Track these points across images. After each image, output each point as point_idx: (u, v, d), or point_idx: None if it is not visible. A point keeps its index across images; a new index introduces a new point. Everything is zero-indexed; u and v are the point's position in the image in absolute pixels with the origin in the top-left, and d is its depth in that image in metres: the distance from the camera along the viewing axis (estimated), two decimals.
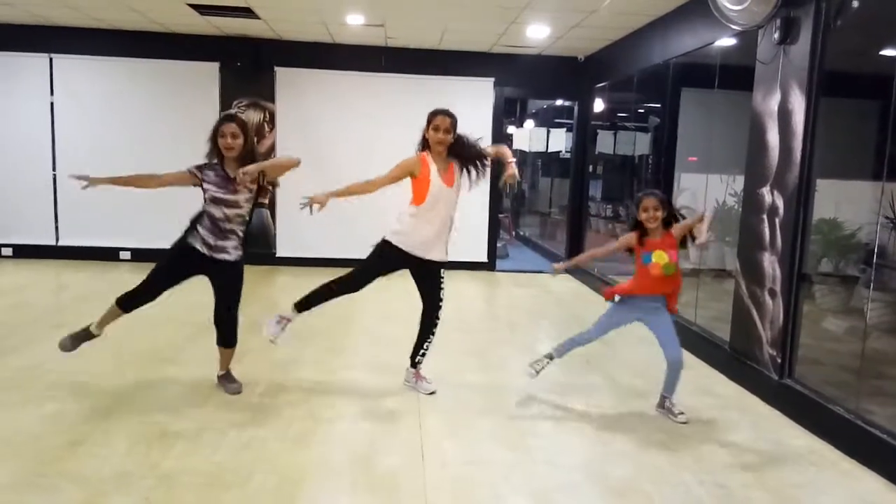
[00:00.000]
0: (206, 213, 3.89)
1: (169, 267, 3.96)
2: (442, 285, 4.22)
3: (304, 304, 4.20)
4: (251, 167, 3.77)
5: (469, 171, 4.11)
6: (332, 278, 4.19)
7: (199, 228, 3.90)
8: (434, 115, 4.01)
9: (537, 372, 4.29)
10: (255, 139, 8.66)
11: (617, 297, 4.13)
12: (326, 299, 4.19)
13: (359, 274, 4.17)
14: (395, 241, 4.08)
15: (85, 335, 4.09)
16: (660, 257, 3.89)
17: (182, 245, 3.92)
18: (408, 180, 4.07)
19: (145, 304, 4.00)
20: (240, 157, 3.84)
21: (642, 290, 4.02)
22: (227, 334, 4.11)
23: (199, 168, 3.88)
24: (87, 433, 3.49)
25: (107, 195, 8.45)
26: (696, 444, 3.72)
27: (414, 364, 4.35)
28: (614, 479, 3.27)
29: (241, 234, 3.97)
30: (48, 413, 3.74)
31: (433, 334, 4.29)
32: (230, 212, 3.87)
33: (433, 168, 4.01)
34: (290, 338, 4.34)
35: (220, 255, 3.92)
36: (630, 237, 4.02)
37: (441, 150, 4.02)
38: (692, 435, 3.83)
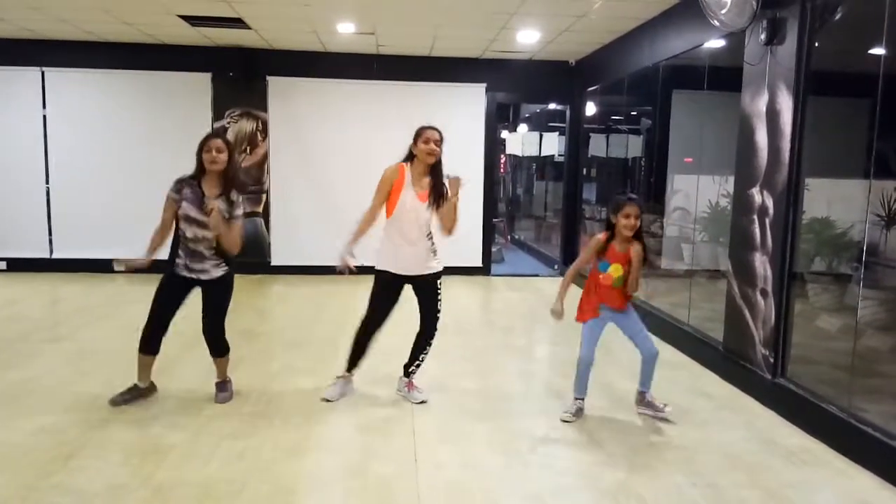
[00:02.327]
0: (180, 235, 3.91)
1: (163, 297, 3.98)
2: (439, 297, 4.19)
3: (351, 363, 4.31)
4: (215, 214, 3.77)
5: (435, 195, 4.06)
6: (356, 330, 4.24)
7: (179, 251, 3.93)
8: (424, 129, 4.02)
9: (574, 415, 4.04)
10: (249, 149, 8.75)
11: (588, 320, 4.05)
12: (364, 348, 4.25)
13: (371, 312, 4.17)
14: (380, 267, 4.12)
15: (135, 391, 4.10)
16: (616, 270, 3.88)
17: (171, 273, 3.95)
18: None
19: (162, 336, 4.02)
20: (222, 175, 3.89)
21: (599, 301, 3.98)
22: (214, 346, 4.14)
23: (179, 185, 3.89)
24: (81, 446, 3.49)
25: (99, 207, 8.56)
26: (688, 445, 3.72)
27: (407, 374, 4.34)
28: (608, 481, 3.27)
29: (213, 257, 3.94)
30: (41, 426, 3.73)
31: (430, 346, 4.27)
32: (199, 232, 3.87)
33: (407, 179, 4.02)
34: (349, 391, 4.36)
35: (204, 276, 3.95)
36: (599, 240, 3.95)
37: (430, 162, 4.00)
38: (685, 436, 3.84)
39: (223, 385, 4.23)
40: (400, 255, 4.06)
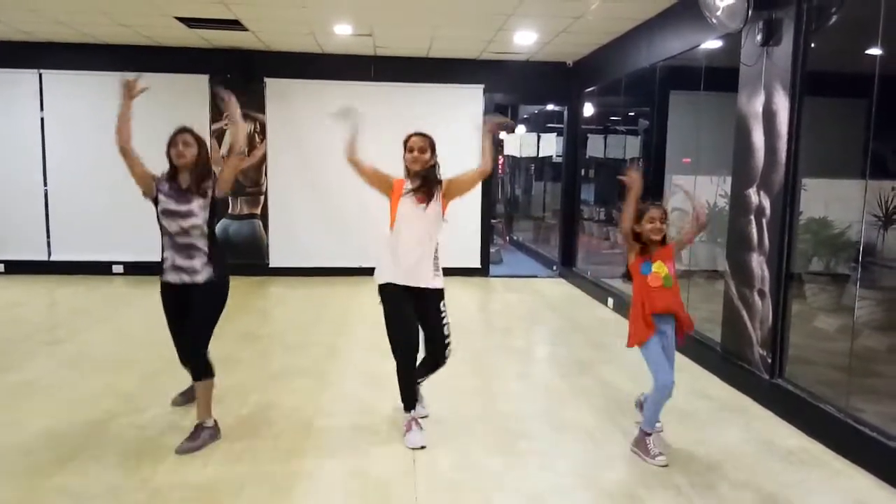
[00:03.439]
0: (162, 232, 3.73)
1: (168, 317, 3.83)
2: (444, 319, 3.84)
3: (407, 402, 3.80)
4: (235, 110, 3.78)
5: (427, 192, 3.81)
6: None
7: (165, 253, 3.73)
8: (408, 137, 3.84)
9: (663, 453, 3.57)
10: (247, 151, 8.74)
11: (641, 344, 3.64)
12: (411, 379, 3.81)
13: (394, 337, 3.76)
14: (382, 280, 3.78)
15: (202, 433, 3.65)
16: (660, 268, 3.60)
17: (162, 287, 3.79)
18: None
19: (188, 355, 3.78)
20: (193, 169, 3.70)
21: (653, 311, 3.60)
22: (193, 363, 3.73)
23: (157, 179, 3.74)
24: (79, 448, 3.49)
25: (96, 209, 8.56)
26: (687, 445, 3.73)
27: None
28: (607, 482, 3.28)
29: (206, 250, 3.71)
30: (40, 428, 3.73)
31: (435, 372, 3.94)
32: (185, 223, 3.66)
33: (406, 189, 3.80)
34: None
35: (191, 278, 3.68)
36: (635, 249, 3.67)
37: (416, 170, 3.78)
38: (684, 437, 3.84)
39: (196, 432, 3.60)
40: (400, 265, 3.74)
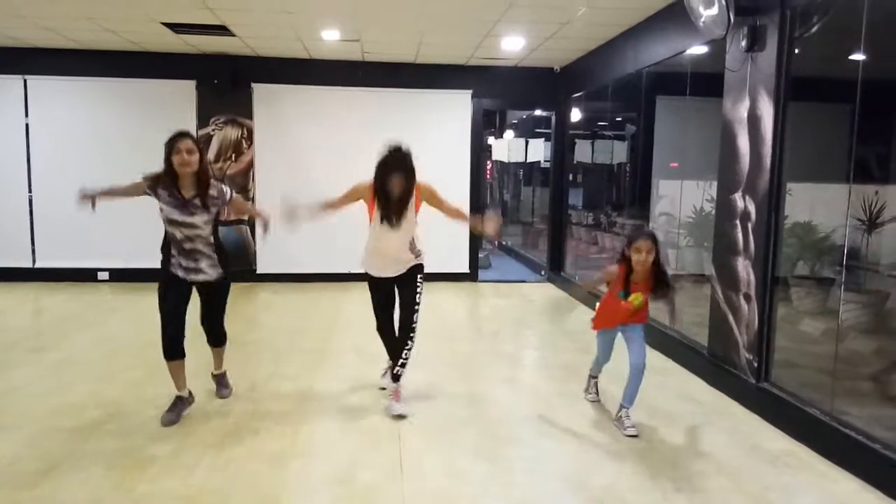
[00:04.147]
0: (168, 236, 3.84)
1: (168, 299, 3.88)
2: (419, 289, 4.24)
3: (394, 368, 4.30)
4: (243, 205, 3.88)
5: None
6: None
7: (172, 252, 3.86)
8: (383, 168, 4.03)
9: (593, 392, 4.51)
10: (234, 156, 8.71)
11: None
12: (390, 346, 4.39)
13: (377, 314, 4.35)
14: (364, 269, 4.29)
15: (179, 403, 4.01)
16: (636, 298, 3.94)
17: (167, 274, 3.88)
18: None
19: (182, 338, 3.93)
20: (195, 176, 3.76)
21: (616, 321, 4.08)
22: (214, 335, 4.27)
23: (153, 181, 3.76)
24: (63, 458, 3.45)
25: (82, 216, 8.44)
26: (674, 450, 3.74)
27: (395, 378, 4.24)
28: (594, 487, 3.28)
29: (212, 253, 3.91)
30: (22, 438, 3.69)
31: (411, 342, 4.19)
32: (190, 233, 3.79)
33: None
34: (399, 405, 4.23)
35: (200, 277, 3.90)
36: (614, 272, 3.98)
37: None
38: (671, 441, 3.86)
39: (223, 379, 4.37)
40: (379, 256, 4.19)
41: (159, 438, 3.71)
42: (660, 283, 3.94)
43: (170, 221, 3.79)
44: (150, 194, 3.79)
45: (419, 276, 4.25)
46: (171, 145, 3.72)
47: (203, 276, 3.89)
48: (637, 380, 3.95)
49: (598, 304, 4.27)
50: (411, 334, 4.19)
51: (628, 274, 3.91)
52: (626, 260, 3.89)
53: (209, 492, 3.13)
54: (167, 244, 3.88)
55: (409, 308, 4.20)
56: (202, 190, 3.79)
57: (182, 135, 3.77)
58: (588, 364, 4.53)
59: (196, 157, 3.73)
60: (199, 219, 3.80)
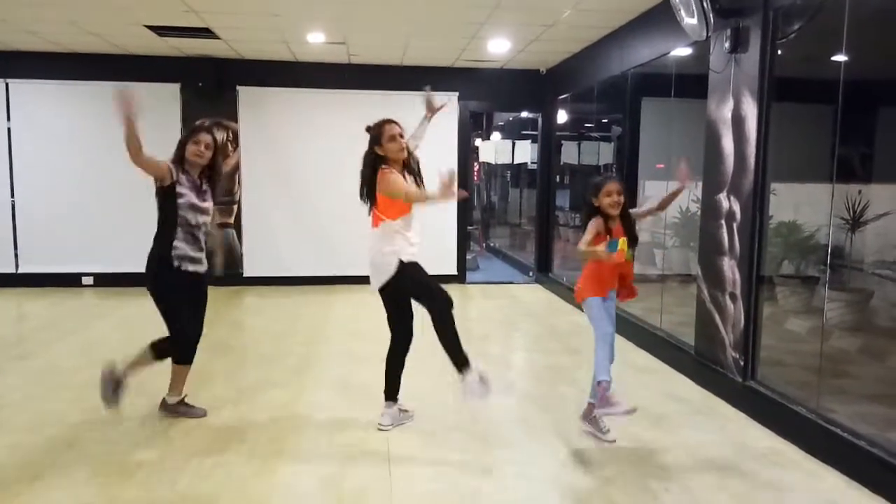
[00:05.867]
0: (181, 222, 3.78)
1: (183, 300, 3.89)
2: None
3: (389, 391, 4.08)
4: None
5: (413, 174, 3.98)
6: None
7: (177, 245, 3.78)
8: (383, 125, 3.81)
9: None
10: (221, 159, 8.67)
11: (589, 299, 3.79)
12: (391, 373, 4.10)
13: (394, 323, 4.07)
14: (407, 259, 3.81)
15: (183, 406, 4.13)
16: (623, 244, 3.62)
17: (177, 276, 3.81)
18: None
19: (198, 342, 4.03)
20: (204, 170, 3.91)
21: (606, 287, 3.75)
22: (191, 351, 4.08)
23: (176, 168, 3.78)
24: (46, 466, 3.41)
25: (65, 220, 8.41)
26: (661, 449, 3.75)
27: (461, 370, 3.97)
28: (582, 489, 3.28)
29: (205, 245, 4.02)
30: (6, 446, 3.64)
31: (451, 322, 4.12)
32: (203, 219, 3.90)
33: (407, 178, 3.88)
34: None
35: (201, 269, 3.98)
36: (598, 223, 3.70)
37: (403, 158, 3.86)
38: (658, 440, 3.86)
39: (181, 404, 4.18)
40: (412, 247, 3.88)
41: (144, 445, 3.68)
42: (629, 224, 3.75)
43: (192, 207, 3.82)
44: (168, 182, 3.74)
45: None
46: (193, 134, 3.87)
47: (203, 266, 3.98)
48: (605, 350, 3.64)
49: (579, 277, 3.91)
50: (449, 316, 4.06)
51: (605, 222, 3.70)
52: (597, 210, 3.70)
53: (195, 498, 3.10)
54: (168, 241, 3.78)
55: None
56: (211, 182, 3.96)
57: (206, 129, 3.98)
58: (577, 364, 4.52)
59: (210, 153, 3.88)
60: (210, 205, 3.95)
